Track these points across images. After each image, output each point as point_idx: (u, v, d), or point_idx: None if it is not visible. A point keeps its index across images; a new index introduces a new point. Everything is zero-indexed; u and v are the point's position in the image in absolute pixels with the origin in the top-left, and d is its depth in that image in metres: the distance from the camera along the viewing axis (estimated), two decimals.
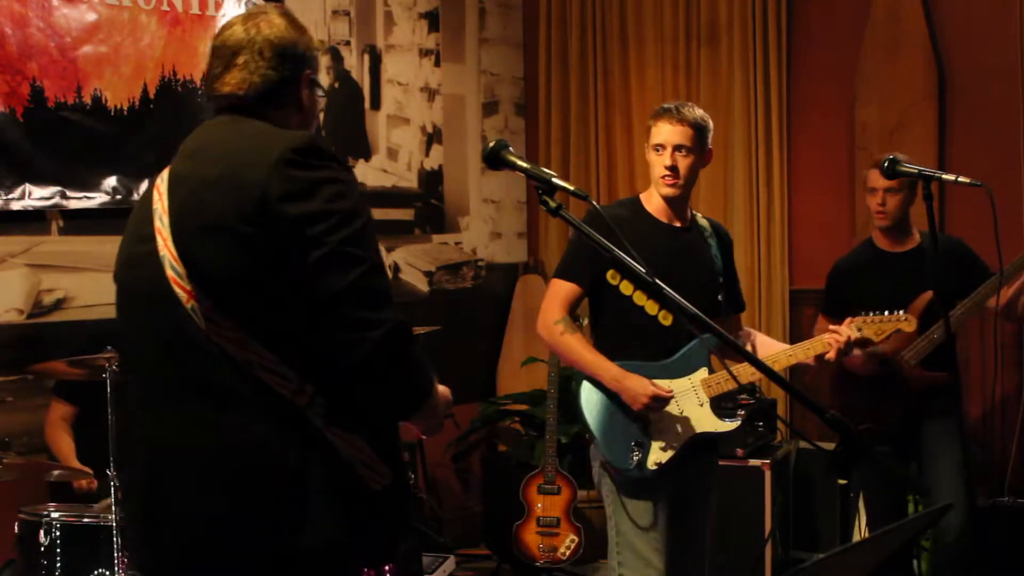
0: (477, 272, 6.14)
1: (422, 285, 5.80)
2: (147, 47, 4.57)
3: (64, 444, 4.11)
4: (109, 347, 3.75)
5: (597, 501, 5.40)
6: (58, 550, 3.58)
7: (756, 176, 5.59)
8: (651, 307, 3.27)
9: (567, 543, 5.16)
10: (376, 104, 5.60)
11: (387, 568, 3.74)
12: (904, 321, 3.32)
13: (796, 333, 5.56)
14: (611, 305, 3.34)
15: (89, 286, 4.40)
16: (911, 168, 3.44)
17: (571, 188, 2.05)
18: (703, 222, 3.44)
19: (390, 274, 5.49)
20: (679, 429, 3.24)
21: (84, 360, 3.71)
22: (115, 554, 3.54)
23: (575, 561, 5.21)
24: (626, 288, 3.29)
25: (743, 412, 4.79)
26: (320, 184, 1.88)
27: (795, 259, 5.61)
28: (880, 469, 4.03)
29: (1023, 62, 4.97)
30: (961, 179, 3.70)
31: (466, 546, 5.67)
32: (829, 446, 2.01)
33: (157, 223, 1.98)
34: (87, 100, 4.40)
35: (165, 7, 4.61)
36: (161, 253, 1.94)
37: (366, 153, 5.53)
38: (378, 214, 5.45)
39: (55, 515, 3.62)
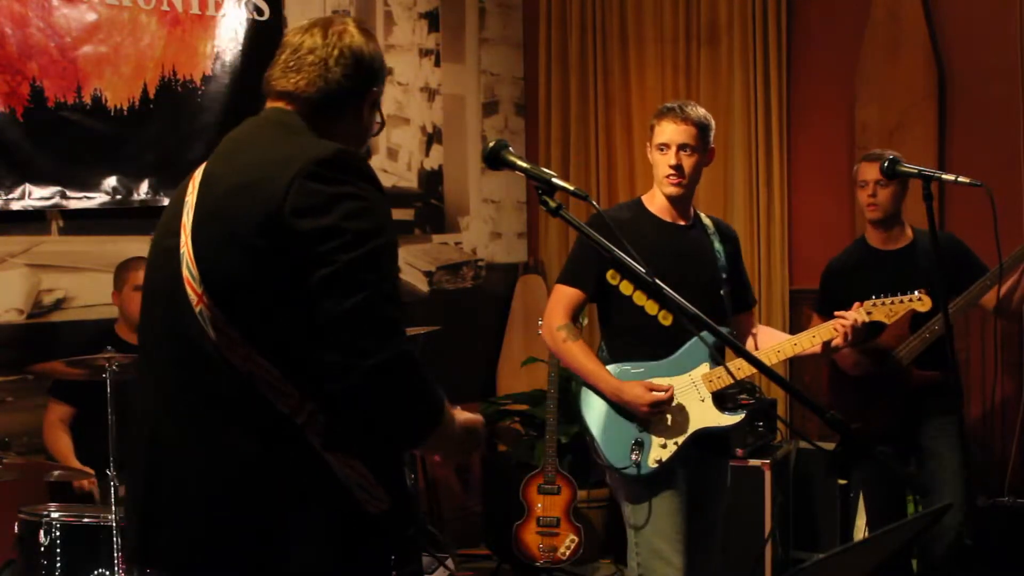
0: (477, 272, 6.14)
1: (422, 285, 5.80)
2: (147, 47, 4.57)
3: (63, 445, 4.11)
4: (109, 347, 3.75)
5: (597, 501, 5.44)
6: (58, 550, 3.58)
7: (756, 176, 5.59)
8: (651, 307, 3.28)
9: (567, 543, 5.16)
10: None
11: None
12: (918, 301, 3.30)
13: (796, 332, 5.54)
14: (612, 305, 3.37)
15: (89, 286, 4.41)
16: (911, 168, 3.44)
17: (571, 188, 2.05)
18: (707, 221, 3.45)
19: None
20: (680, 425, 3.25)
21: (84, 360, 3.71)
22: (115, 554, 3.54)
23: (575, 561, 5.21)
24: (626, 288, 3.30)
25: (742, 412, 4.79)
26: (338, 199, 1.83)
27: (795, 259, 5.61)
28: (879, 469, 4.03)
29: (1023, 62, 4.97)
30: (961, 179, 3.70)
31: (466, 546, 5.67)
32: (829, 446, 2.01)
33: (184, 218, 1.95)
34: (87, 100, 4.40)
35: (165, 7, 4.61)
36: (182, 250, 1.92)
37: (366, 153, 5.53)
38: None
39: (55, 515, 3.62)
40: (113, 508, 3.56)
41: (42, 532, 3.58)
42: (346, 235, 1.81)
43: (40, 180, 4.27)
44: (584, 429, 3.36)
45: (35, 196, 4.27)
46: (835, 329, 3.24)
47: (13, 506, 3.77)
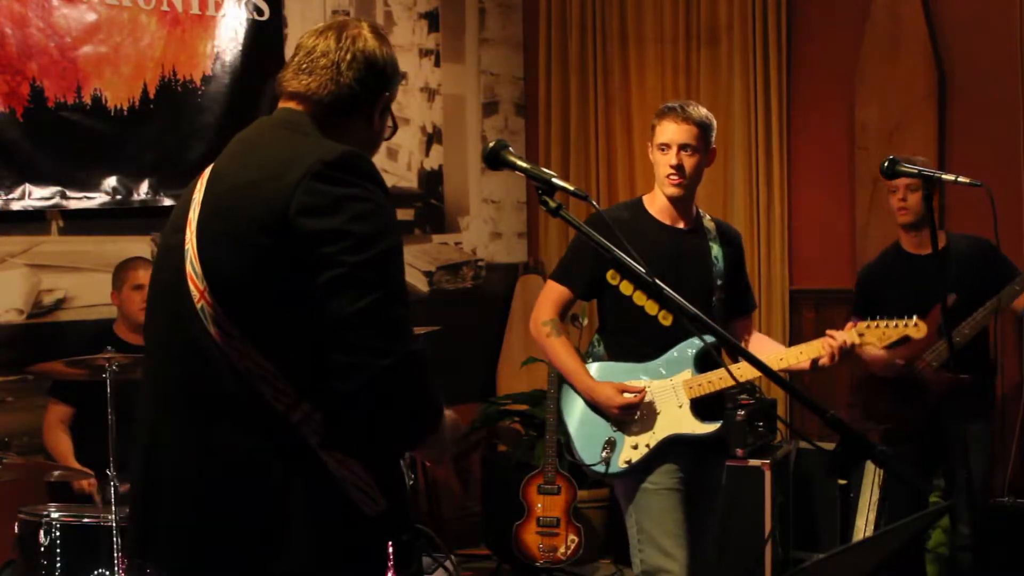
0: (477, 272, 6.14)
1: (422, 285, 5.80)
2: (147, 47, 4.57)
3: (63, 445, 4.11)
4: (109, 347, 3.75)
5: (597, 501, 5.44)
6: (58, 550, 3.58)
7: (756, 176, 5.59)
8: (651, 307, 3.28)
9: (567, 543, 5.16)
10: None
11: None
12: (913, 327, 3.27)
13: (796, 333, 5.57)
14: (612, 305, 3.38)
15: (89, 286, 4.41)
16: (911, 168, 3.44)
17: (571, 188, 2.05)
18: (709, 224, 3.43)
19: None
20: (654, 429, 3.26)
21: (84, 360, 3.71)
22: (115, 554, 3.54)
23: (575, 561, 5.21)
24: (626, 288, 3.30)
25: (743, 412, 4.80)
26: (345, 201, 1.82)
27: (795, 259, 5.61)
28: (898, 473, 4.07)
29: (1023, 62, 4.97)
30: (961, 179, 3.71)
31: (466, 546, 5.67)
32: (829, 446, 2.01)
33: (191, 215, 1.96)
34: (87, 100, 4.40)
35: (165, 7, 4.62)
36: (186, 247, 1.93)
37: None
38: None
39: (55, 515, 3.62)
40: (113, 508, 3.56)
41: (42, 532, 3.58)
42: (353, 237, 1.80)
43: (40, 180, 4.28)
44: (561, 424, 3.40)
45: (35, 196, 4.27)
46: (823, 348, 3.21)
47: (13, 506, 3.77)
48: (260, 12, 4.95)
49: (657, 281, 2.03)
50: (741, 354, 2.13)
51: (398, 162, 5.72)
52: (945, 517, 4.51)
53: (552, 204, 2.07)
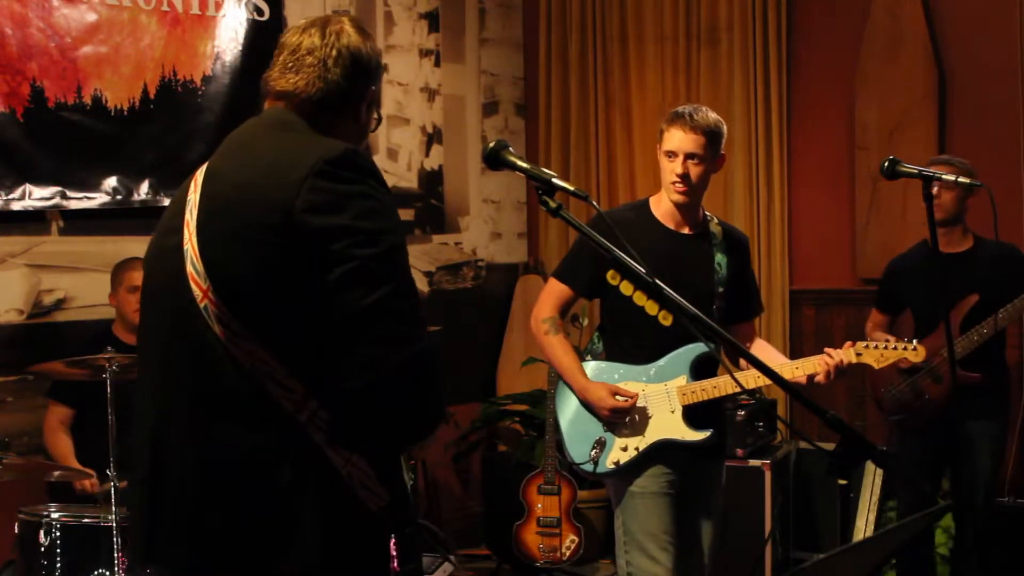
0: (477, 272, 6.14)
1: (422, 285, 5.80)
2: (147, 47, 4.57)
3: (63, 446, 4.11)
4: (109, 347, 3.75)
5: (597, 501, 5.44)
6: (58, 550, 3.58)
7: (756, 176, 5.59)
8: (651, 307, 3.28)
9: (567, 543, 5.16)
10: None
11: None
12: (912, 351, 3.27)
13: (796, 333, 5.57)
14: (613, 306, 3.38)
15: (89, 286, 4.41)
16: (911, 168, 3.44)
17: (571, 188, 2.05)
18: (716, 229, 3.40)
19: None
20: (644, 433, 3.26)
21: (84, 360, 3.71)
22: (115, 554, 3.54)
23: (575, 561, 5.21)
24: (626, 288, 3.30)
25: (742, 412, 4.80)
26: (350, 198, 1.84)
27: (795, 259, 5.61)
28: (895, 465, 4.09)
29: (1023, 62, 4.97)
30: (961, 179, 3.71)
31: (466, 546, 5.67)
32: (829, 446, 2.01)
33: (187, 215, 1.96)
34: (87, 100, 4.40)
35: (165, 7, 4.62)
36: (184, 247, 1.92)
37: (366, 151, 5.52)
38: None
39: (55, 515, 3.62)
40: (113, 508, 3.56)
41: (42, 532, 3.58)
42: (362, 233, 1.82)
43: (40, 180, 4.27)
44: (555, 421, 3.43)
45: (35, 196, 4.27)
46: (820, 365, 3.20)
47: (13, 506, 3.77)
48: (260, 12, 4.95)
49: (657, 281, 2.03)
50: (741, 354, 2.13)
51: (398, 162, 5.72)
52: (946, 517, 4.52)
53: (552, 204, 2.06)
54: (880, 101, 5.29)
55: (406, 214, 5.75)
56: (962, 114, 5.14)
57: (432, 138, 5.89)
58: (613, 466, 3.27)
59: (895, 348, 3.27)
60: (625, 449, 3.26)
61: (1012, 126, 4.97)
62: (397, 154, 5.72)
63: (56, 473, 3.94)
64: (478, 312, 6.10)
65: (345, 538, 1.89)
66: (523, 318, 6.12)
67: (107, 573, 3.58)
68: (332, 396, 1.85)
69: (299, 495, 1.86)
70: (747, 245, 3.52)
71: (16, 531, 3.68)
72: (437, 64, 5.91)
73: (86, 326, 4.37)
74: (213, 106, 4.77)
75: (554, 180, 2.06)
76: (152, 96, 4.59)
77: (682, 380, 3.27)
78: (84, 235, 4.46)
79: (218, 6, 4.80)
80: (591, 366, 3.36)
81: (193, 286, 1.89)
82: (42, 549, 3.57)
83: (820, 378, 3.19)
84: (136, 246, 4.43)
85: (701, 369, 3.28)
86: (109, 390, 3.66)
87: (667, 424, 3.26)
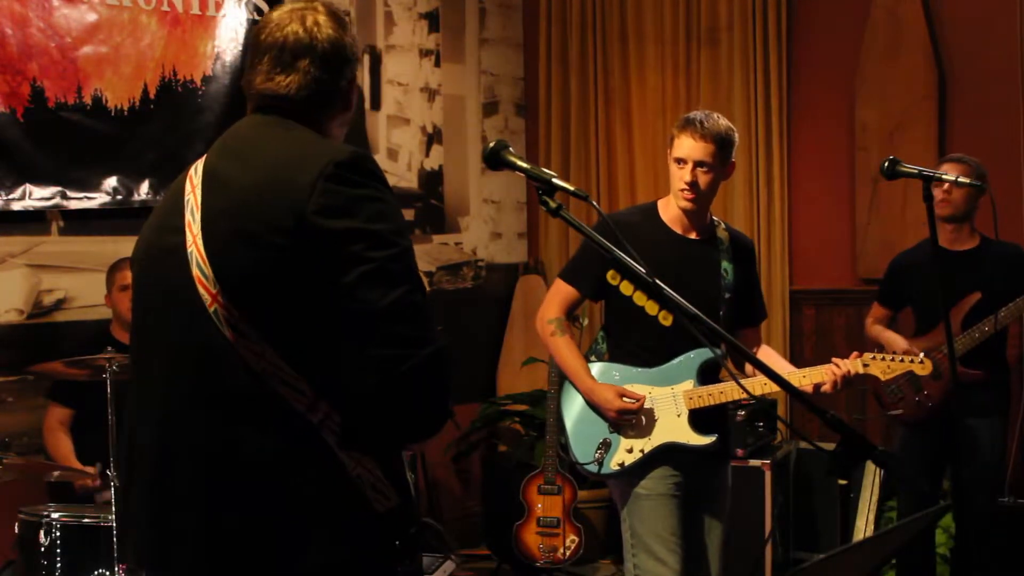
0: (477, 272, 6.14)
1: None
2: (147, 47, 4.57)
3: (64, 447, 4.11)
4: (109, 347, 3.74)
5: (597, 501, 5.44)
6: (58, 550, 3.58)
7: (756, 176, 5.59)
8: (651, 307, 3.28)
9: (567, 543, 5.16)
10: (376, 104, 5.61)
11: None
12: (919, 364, 3.26)
13: (796, 333, 5.57)
14: (614, 306, 3.39)
15: (89, 286, 4.40)
16: (911, 168, 3.45)
17: (571, 188, 2.05)
18: (723, 235, 3.39)
19: None
20: (650, 435, 3.26)
21: (84, 360, 3.71)
22: (115, 554, 3.54)
23: (575, 561, 5.21)
24: (626, 288, 3.30)
25: (743, 412, 4.80)
26: (361, 201, 1.84)
27: (795, 259, 5.61)
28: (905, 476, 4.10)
29: (1023, 62, 4.97)
30: (961, 179, 3.72)
31: (466, 546, 5.67)
32: (829, 446, 2.01)
33: (188, 216, 1.94)
34: (87, 100, 4.40)
35: (165, 7, 4.62)
36: (189, 249, 1.91)
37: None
38: None
39: (55, 515, 3.62)
40: (114, 508, 3.56)
41: (42, 532, 3.58)
42: (375, 236, 1.83)
43: (40, 180, 4.27)
44: (560, 421, 3.43)
45: (35, 196, 4.27)
46: (827, 375, 3.19)
47: (13, 506, 3.77)
48: (260, 12, 4.95)
49: (657, 281, 2.03)
50: (744, 356, 2.13)
51: (398, 162, 5.72)
52: (946, 517, 4.52)
53: (552, 204, 2.06)
54: (880, 101, 5.29)
55: (406, 214, 5.75)
56: (962, 114, 5.14)
57: (432, 138, 5.89)
58: (618, 467, 3.27)
59: (902, 361, 3.26)
60: (630, 451, 3.26)
61: (1012, 126, 4.97)
62: (397, 154, 5.72)
63: (56, 473, 3.94)
64: (478, 312, 6.10)
65: (356, 540, 1.90)
66: (523, 318, 6.12)
67: (107, 573, 3.58)
68: (343, 397, 1.86)
69: (312, 497, 1.86)
70: (753, 251, 3.52)
71: (16, 531, 3.68)
72: (437, 64, 5.91)
73: (86, 326, 4.37)
74: (213, 106, 4.77)
75: (554, 180, 2.05)
76: (152, 96, 4.59)
77: (689, 384, 3.27)
78: (84, 235, 4.46)
79: (218, 6, 4.80)
80: (597, 367, 3.36)
81: (201, 290, 1.88)
82: (42, 549, 3.57)
83: (827, 388, 3.19)
84: None
85: (708, 374, 3.29)
86: (109, 390, 3.66)
87: (673, 427, 3.26)
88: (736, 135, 3.28)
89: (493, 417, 5.81)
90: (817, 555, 4.53)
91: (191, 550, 1.91)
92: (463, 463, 5.95)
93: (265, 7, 4.96)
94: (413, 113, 5.79)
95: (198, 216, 1.92)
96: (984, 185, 3.93)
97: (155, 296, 2.01)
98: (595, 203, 2.11)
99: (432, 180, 5.90)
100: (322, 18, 2.03)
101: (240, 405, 1.87)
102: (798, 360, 5.43)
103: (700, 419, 3.27)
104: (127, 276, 4.08)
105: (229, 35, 4.84)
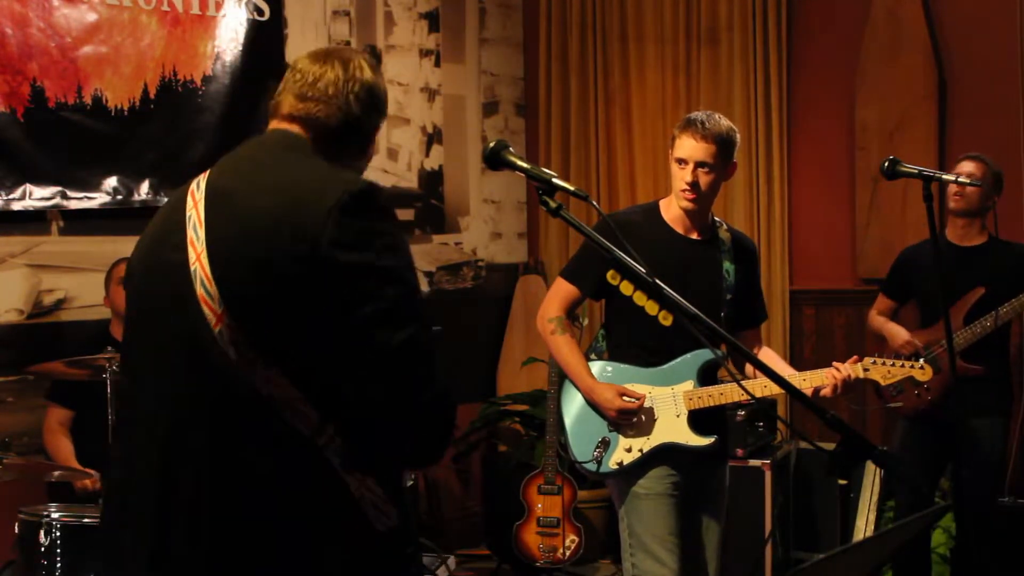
0: (477, 272, 6.14)
1: (422, 285, 5.80)
2: (147, 47, 4.57)
3: (64, 448, 4.10)
4: (109, 347, 3.74)
5: (597, 501, 5.44)
6: (58, 550, 3.58)
7: (756, 176, 5.59)
8: (651, 307, 3.28)
9: (567, 543, 5.16)
10: None
11: None
12: (919, 370, 3.26)
13: (796, 333, 5.57)
14: (614, 306, 3.40)
15: (89, 286, 4.41)
16: (911, 168, 3.45)
17: (571, 188, 2.05)
18: (724, 235, 3.38)
19: None
20: (649, 435, 3.27)
21: (84, 360, 3.71)
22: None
23: (575, 561, 5.21)
24: (626, 288, 3.30)
25: (742, 412, 4.80)
26: (376, 236, 1.85)
27: (795, 259, 5.61)
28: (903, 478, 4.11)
29: (1023, 62, 4.97)
30: (961, 179, 3.73)
31: (466, 546, 5.67)
32: (829, 446, 2.01)
33: (191, 233, 1.91)
34: (87, 100, 4.40)
35: (165, 7, 4.62)
36: (192, 267, 1.88)
37: None
38: None
39: (55, 515, 3.61)
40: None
41: (42, 532, 3.58)
42: (388, 272, 1.84)
43: (40, 180, 4.28)
44: (560, 420, 3.44)
45: (35, 196, 4.27)
46: (827, 378, 3.20)
47: (13, 506, 3.76)
48: (260, 12, 4.95)
49: (657, 281, 2.03)
50: (744, 356, 2.13)
51: (398, 162, 5.72)
52: (946, 517, 4.52)
53: (552, 204, 2.06)
54: (880, 101, 5.29)
55: (406, 214, 5.75)
56: (962, 114, 5.14)
57: (432, 138, 5.89)
58: (616, 466, 3.27)
59: (902, 366, 3.26)
60: (629, 450, 3.26)
61: (1012, 126, 4.97)
62: (397, 154, 5.72)
63: (56, 473, 3.94)
64: (478, 312, 6.10)
65: (359, 560, 1.90)
66: (523, 318, 6.12)
67: None
68: (348, 425, 1.86)
69: (317, 519, 1.86)
70: (755, 252, 3.52)
71: (16, 531, 3.68)
72: (437, 64, 5.91)
73: (86, 326, 4.37)
74: (213, 106, 4.77)
75: (554, 180, 2.05)
76: (152, 96, 4.59)
77: (689, 385, 3.27)
78: (84, 235, 4.46)
79: (218, 6, 4.80)
80: (597, 366, 3.36)
81: (206, 309, 1.86)
82: (42, 549, 3.57)
83: (826, 392, 3.20)
84: None
85: (708, 375, 3.29)
86: (109, 390, 3.66)
87: (672, 428, 3.26)
88: (738, 135, 3.28)
89: (493, 417, 5.81)
90: (817, 555, 4.53)
91: (190, 569, 1.89)
92: (463, 463, 5.95)
93: (265, 7, 4.96)
94: (413, 113, 5.79)
95: (202, 233, 1.90)
96: (980, 184, 3.94)
97: (154, 312, 1.98)
98: (595, 203, 2.11)
99: (432, 180, 5.90)
100: (363, 63, 2.07)
101: (243, 426, 1.86)
102: (798, 360, 5.44)
103: (699, 420, 3.27)
104: (122, 270, 4.08)
105: (229, 35, 4.84)
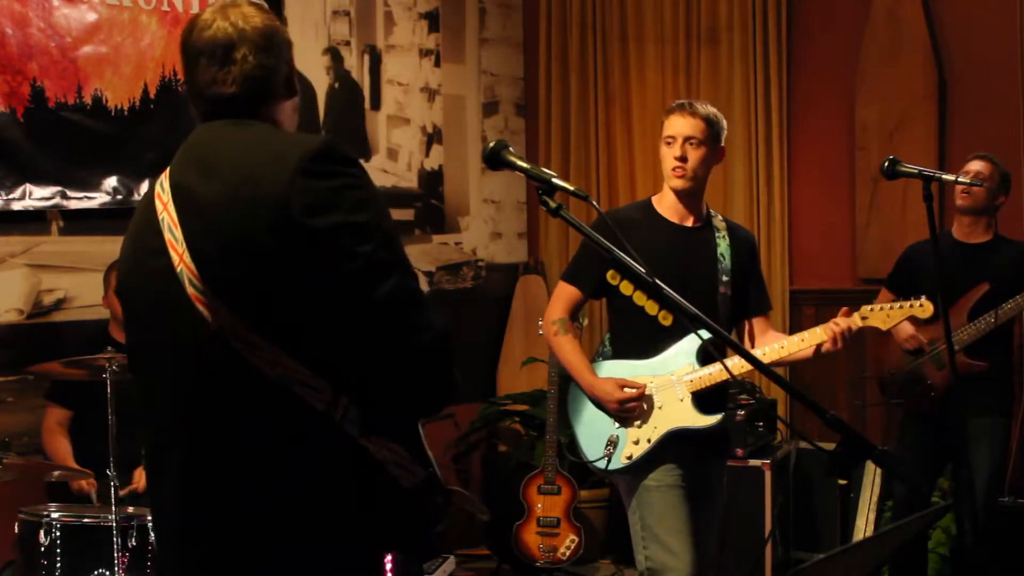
0: (477, 272, 6.14)
1: (422, 285, 5.79)
2: (147, 47, 4.57)
3: (62, 448, 4.10)
4: (109, 347, 3.74)
5: (597, 501, 5.44)
6: (58, 550, 3.58)
7: (756, 176, 5.59)
8: (651, 307, 3.29)
9: (567, 543, 5.16)
10: (376, 104, 5.60)
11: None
12: (919, 307, 3.26)
13: (796, 332, 5.56)
14: (614, 306, 3.42)
15: (89, 286, 4.40)
16: (911, 168, 3.45)
17: (571, 188, 2.05)
18: (719, 224, 3.42)
19: None
20: (655, 424, 3.28)
21: (83, 361, 3.71)
22: (115, 554, 3.54)
23: (575, 561, 5.21)
24: (626, 288, 3.31)
25: (742, 412, 4.80)
26: (340, 192, 1.84)
27: (795, 259, 5.61)
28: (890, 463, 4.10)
29: (1023, 62, 4.97)
30: (961, 179, 3.73)
31: (466, 546, 5.67)
32: (829, 446, 2.01)
33: (168, 235, 1.91)
34: (87, 100, 4.40)
35: (165, 7, 4.62)
36: (178, 269, 1.88)
37: (366, 153, 5.53)
38: None
39: (55, 515, 3.62)
40: (113, 508, 3.56)
41: (42, 532, 3.58)
42: (358, 228, 1.83)
43: (40, 180, 4.28)
44: (566, 422, 3.48)
45: (35, 196, 4.27)
46: (825, 332, 3.21)
47: (13, 506, 3.76)
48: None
49: (657, 281, 2.03)
50: (739, 352, 2.13)
51: (398, 162, 5.72)
52: (946, 517, 4.52)
53: (552, 204, 2.06)
54: (880, 101, 5.29)
55: (406, 214, 5.75)
56: (962, 114, 5.14)
57: (432, 138, 5.89)
58: (627, 461, 3.27)
59: (901, 307, 3.26)
60: (637, 442, 3.27)
61: (1012, 126, 4.97)
62: (397, 154, 5.71)
63: (56, 473, 3.94)
64: (478, 312, 6.10)
65: (386, 516, 1.94)
66: (523, 318, 6.12)
67: (107, 573, 3.58)
68: (359, 387, 1.87)
69: (344, 491, 1.88)
70: (753, 242, 3.54)
71: (16, 531, 3.68)
72: (437, 64, 5.91)
73: (86, 326, 4.37)
74: None
75: (554, 180, 2.06)
76: (152, 96, 4.59)
77: (688, 368, 3.29)
78: (84, 235, 4.46)
79: None
80: (599, 368, 3.38)
81: (200, 308, 1.86)
82: (42, 549, 3.57)
83: (828, 346, 3.21)
84: None
85: (708, 356, 3.30)
86: (109, 390, 3.65)
87: (677, 412, 3.27)
88: (724, 122, 3.35)
89: (493, 417, 5.81)
90: (817, 555, 4.53)
91: (220, 558, 1.91)
92: (463, 463, 5.95)
93: (265, 7, 4.95)
94: (413, 113, 5.79)
95: (178, 234, 1.90)
96: (980, 183, 3.94)
97: (151, 319, 1.98)
98: (595, 203, 2.11)
99: (432, 180, 5.90)
100: (247, 9, 2.01)
101: (259, 412, 1.86)
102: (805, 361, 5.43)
103: (703, 401, 3.29)
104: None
105: None
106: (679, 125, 3.30)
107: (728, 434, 3.45)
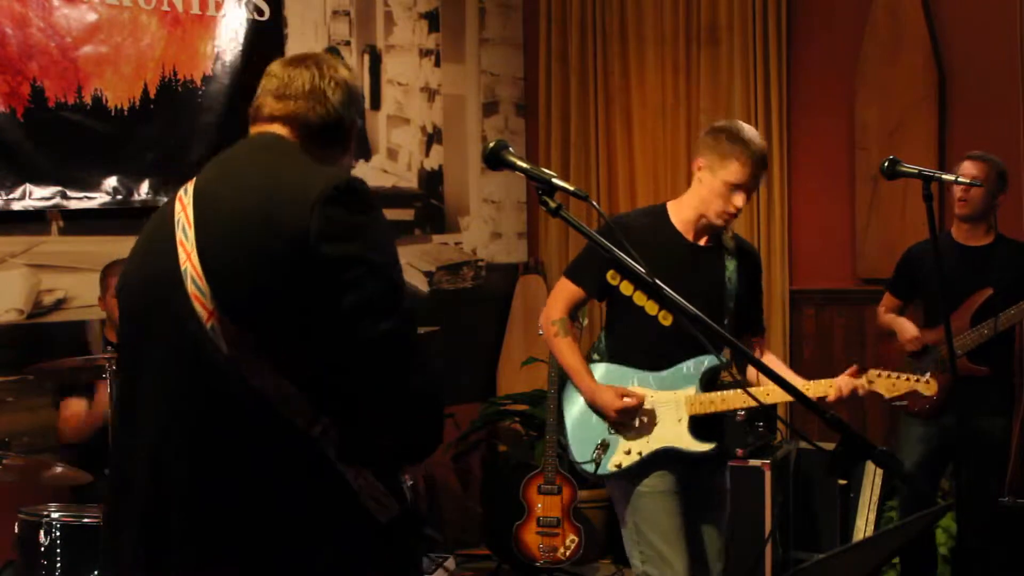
0: (477, 272, 6.14)
1: (422, 285, 5.80)
2: (147, 47, 4.57)
3: (75, 406, 4.08)
4: (109, 347, 3.74)
5: (597, 501, 5.44)
6: (58, 550, 3.58)
7: None
8: (651, 307, 3.28)
9: (567, 543, 5.16)
10: (376, 104, 5.60)
11: None
12: (924, 384, 3.24)
13: (796, 333, 5.57)
14: (614, 306, 3.40)
15: (89, 286, 4.40)
16: (911, 168, 3.45)
17: (571, 188, 2.05)
18: (730, 243, 3.39)
19: None
20: (648, 439, 3.27)
21: (84, 360, 3.70)
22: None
23: (575, 561, 5.21)
24: (626, 289, 3.30)
25: (743, 413, 4.80)
26: (362, 228, 1.88)
27: (795, 259, 5.61)
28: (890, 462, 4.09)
29: (1023, 62, 4.97)
30: (961, 179, 3.73)
31: (466, 546, 5.67)
32: (829, 446, 2.01)
33: (180, 235, 1.94)
34: (87, 100, 4.40)
35: (165, 7, 4.62)
36: (183, 267, 1.91)
37: (366, 153, 5.53)
38: None
39: (55, 515, 3.62)
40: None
41: (42, 532, 3.58)
42: (373, 264, 1.86)
43: (40, 180, 4.27)
44: (560, 421, 3.45)
45: (35, 196, 4.27)
46: (830, 389, 3.18)
47: (13, 506, 3.76)
48: (260, 12, 4.95)
49: (657, 281, 2.03)
50: (747, 358, 2.13)
51: (398, 162, 5.72)
52: (947, 517, 4.52)
53: (552, 204, 2.06)
54: (880, 101, 5.29)
55: (406, 214, 5.75)
56: (962, 114, 5.14)
57: (432, 138, 5.89)
58: (615, 468, 3.27)
59: (907, 380, 3.23)
60: (628, 453, 3.27)
61: (1012, 126, 4.97)
62: (397, 154, 5.71)
63: (59, 469, 3.93)
64: (478, 312, 6.10)
65: (360, 551, 1.92)
66: (523, 318, 6.12)
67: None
68: (342, 415, 1.88)
69: (316, 511, 1.88)
70: (759, 261, 3.52)
71: (16, 531, 3.68)
72: (437, 64, 5.91)
73: (86, 326, 4.37)
74: (213, 106, 4.77)
75: (554, 180, 2.06)
76: (152, 96, 4.59)
77: (691, 390, 3.27)
78: (84, 235, 4.45)
79: (218, 6, 4.80)
80: (600, 369, 3.37)
81: (197, 306, 1.88)
82: (42, 549, 3.57)
83: (830, 398, 3.19)
84: None
85: (711, 381, 3.29)
86: (110, 390, 3.65)
87: (672, 432, 3.26)
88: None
89: (493, 417, 5.81)
90: (817, 555, 4.53)
91: (188, 568, 1.90)
92: (463, 463, 5.95)
93: (265, 7, 4.96)
94: (413, 113, 5.78)
95: (191, 234, 1.93)
96: (980, 183, 3.94)
97: (146, 316, 2.00)
98: (595, 203, 2.11)
99: (432, 180, 5.89)
100: (336, 62, 2.10)
101: (237, 420, 1.87)
102: (798, 360, 5.44)
103: (700, 425, 3.26)
104: (115, 272, 4.07)
105: (229, 35, 4.84)
106: (749, 177, 3.18)
107: (725, 450, 3.43)
